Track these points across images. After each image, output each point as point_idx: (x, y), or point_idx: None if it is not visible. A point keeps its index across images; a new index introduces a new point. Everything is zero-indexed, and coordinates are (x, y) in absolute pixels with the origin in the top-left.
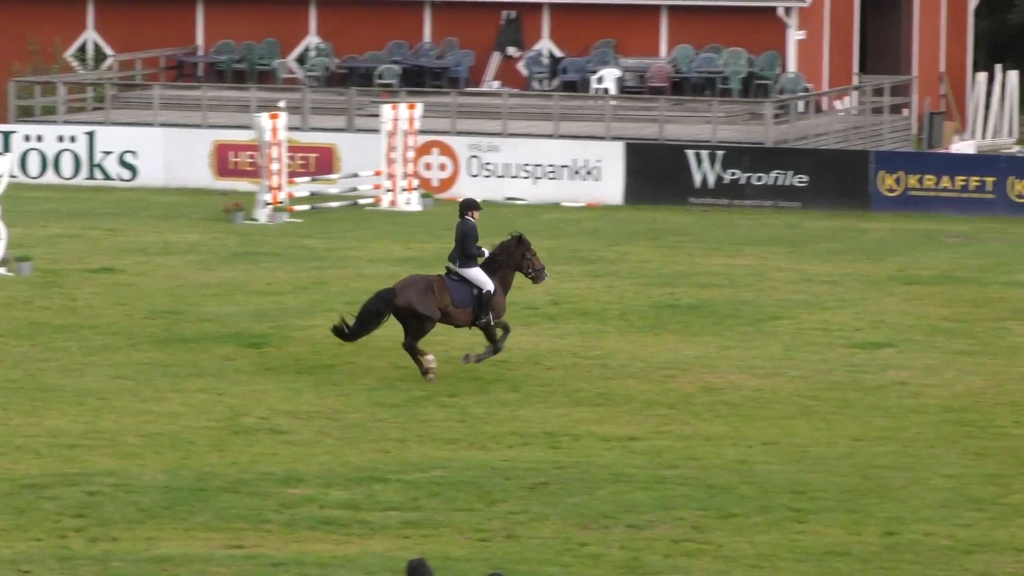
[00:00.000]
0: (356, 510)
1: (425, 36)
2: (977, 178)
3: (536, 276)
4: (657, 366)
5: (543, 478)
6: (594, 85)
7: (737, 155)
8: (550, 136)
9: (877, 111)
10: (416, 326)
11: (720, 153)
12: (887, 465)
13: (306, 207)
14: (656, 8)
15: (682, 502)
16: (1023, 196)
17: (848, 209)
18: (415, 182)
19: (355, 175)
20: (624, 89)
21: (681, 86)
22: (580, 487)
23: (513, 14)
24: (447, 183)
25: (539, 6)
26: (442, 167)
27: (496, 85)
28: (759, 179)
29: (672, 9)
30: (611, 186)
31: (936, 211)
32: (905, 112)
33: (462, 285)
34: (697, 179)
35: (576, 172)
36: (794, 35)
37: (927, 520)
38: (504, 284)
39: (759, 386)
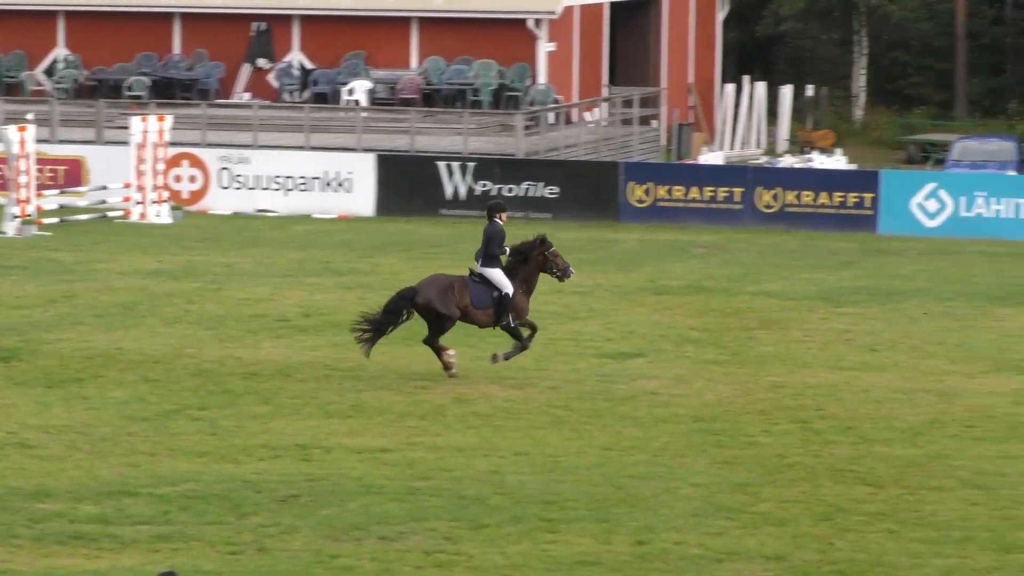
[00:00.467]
0: (106, 524)
1: (175, 48)
2: (725, 189)
3: (562, 275)
4: (409, 377)
5: (294, 490)
6: (345, 97)
7: (488, 166)
8: (301, 148)
9: (627, 122)
10: (436, 324)
11: (471, 165)
12: (638, 474)
13: (55, 220)
14: (406, 20)
15: (434, 513)
16: (771, 207)
17: (598, 220)
18: (165, 194)
19: (104, 188)
20: (375, 101)
21: (432, 98)
22: (331, 499)
23: (263, 26)
24: (197, 195)
25: (289, 18)
26: (192, 179)
27: (247, 97)
28: (510, 190)
29: (423, 21)
30: (363, 198)
31: (685, 222)
32: (654, 123)
33: (483, 286)
34: (448, 190)
35: (327, 184)
36: (544, 47)
37: (677, 529)
38: (528, 285)
39: (511, 397)
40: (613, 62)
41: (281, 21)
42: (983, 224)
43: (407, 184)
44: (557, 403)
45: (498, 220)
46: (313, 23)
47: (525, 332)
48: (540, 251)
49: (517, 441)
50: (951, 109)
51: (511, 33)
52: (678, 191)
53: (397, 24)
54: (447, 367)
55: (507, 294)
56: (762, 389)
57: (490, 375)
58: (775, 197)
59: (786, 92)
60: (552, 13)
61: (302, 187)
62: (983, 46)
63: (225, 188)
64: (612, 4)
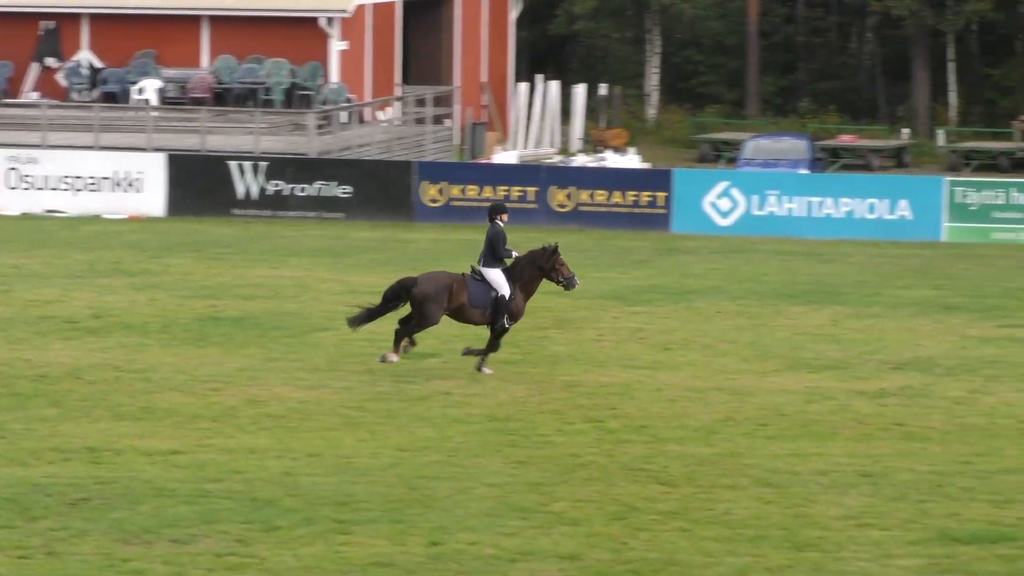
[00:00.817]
0: None
1: None
2: (519, 188)
3: (567, 284)
4: (200, 379)
5: (84, 494)
6: (135, 96)
7: (280, 166)
8: (90, 148)
9: (420, 122)
10: (417, 318)
11: (263, 164)
12: (432, 475)
13: None
14: (197, 18)
15: (226, 516)
16: (564, 206)
17: (392, 220)
18: None
19: None
20: (165, 100)
21: (223, 97)
22: (122, 502)
23: (52, 25)
24: None
25: (78, 16)
26: None
27: (35, 96)
28: (303, 190)
29: (214, 19)
30: (153, 198)
31: (479, 221)
32: (448, 123)
33: (483, 286)
34: (240, 190)
35: (117, 184)
36: (336, 46)
37: (472, 529)
38: (527, 290)
39: (304, 398)
40: (406, 61)
41: (70, 20)
42: (775, 222)
43: (198, 184)
44: (351, 404)
45: (499, 222)
46: (102, 22)
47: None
48: (552, 261)
49: (310, 442)
50: (743, 108)
51: (303, 32)
52: (472, 191)
53: (187, 23)
54: (386, 356)
55: (503, 296)
56: (556, 388)
57: (283, 377)
58: (568, 196)
59: (579, 91)
60: (344, 12)
61: (92, 187)
62: (775, 44)
63: (13, 189)
64: (405, 3)
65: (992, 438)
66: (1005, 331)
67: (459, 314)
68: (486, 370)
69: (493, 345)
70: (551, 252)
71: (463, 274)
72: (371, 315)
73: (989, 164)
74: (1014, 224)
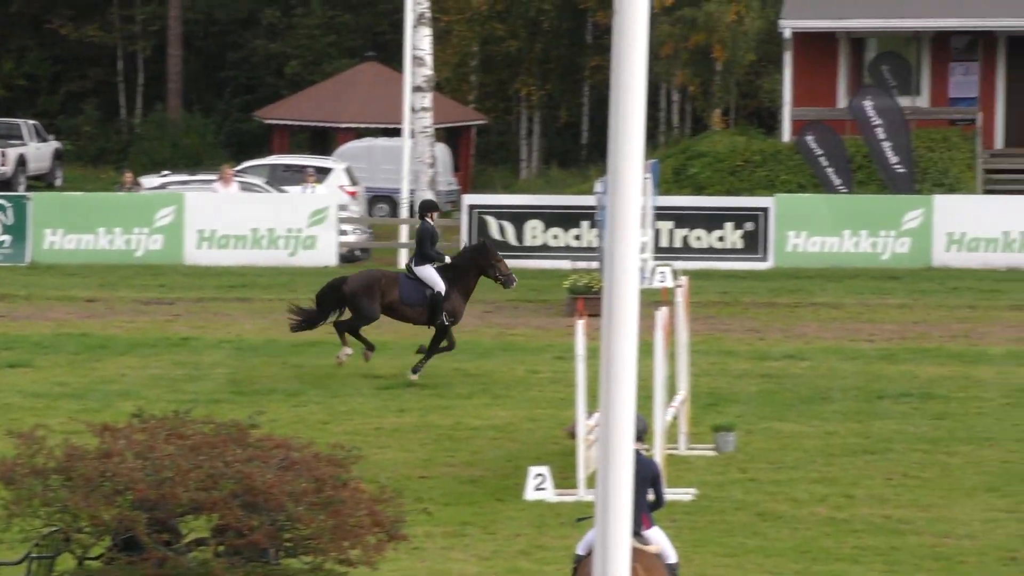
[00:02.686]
0: None
1: None
2: None
3: (505, 281)
4: None
5: None
6: None
7: None
8: None
9: None
10: (354, 315)
11: None
12: None
13: None
14: None
15: None
16: None
17: None
18: None
19: None
20: None
21: None
22: None
23: None
24: None
25: None
26: None
27: None
28: None
29: None
30: None
31: None
32: None
33: (416, 284)
34: None
35: None
36: None
37: None
38: (465, 289)
39: None
40: None
41: None
42: None
43: None
44: None
45: (429, 220)
46: None
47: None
48: (482, 257)
49: None
50: None
51: None
52: None
53: None
54: (339, 357)
55: (439, 292)
56: None
57: None
58: None
59: None
60: None
61: None
62: None
63: None
64: None
65: None
66: None
67: (393, 311)
68: (412, 376)
69: (437, 346)
70: (479, 247)
71: (396, 272)
72: (310, 320)
73: None
74: None
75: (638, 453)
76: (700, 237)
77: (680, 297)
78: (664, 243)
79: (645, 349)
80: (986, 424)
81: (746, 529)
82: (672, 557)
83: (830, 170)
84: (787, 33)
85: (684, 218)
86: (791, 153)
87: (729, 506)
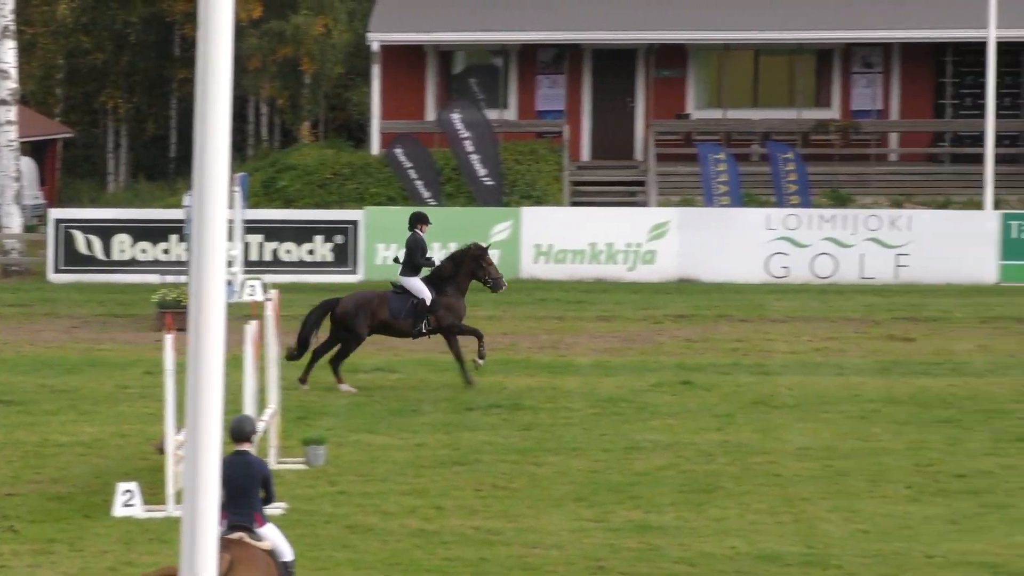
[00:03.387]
0: None
1: None
2: None
3: (494, 285)
4: None
5: None
6: None
7: None
8: None
9: None
10: (345, 339)
11: None
12: None
13: None
14: None
15: None
16: None
17: None
18: None
19: None
20: None
21: None
22: None
23: None
24: None
25: None
26: None
27: None
28: None
29: None
30: None
31: None
32: None
33: (402, 296)
34: None
35: None
36: None
37: None
38: (460, 290)
39: None
40: None
41: None
42: None
43: None
44: None
45: (419, 231)
46: None
47: (464, 341)
48: (469, 260)
49: None
50: None
51: None
52: None
53: None
54: (342, 385)
55: (423, 300)
56: None
57: None
58: None
59: None
60: None
61: None
62: None
63: None
64: None
65: None
66: None
67: (387, 329)
68: (480, 361)
69: (456, 347)
70: (468, 251)
71: (384, 291)
72: (302, 341)
73: None
74: None
75: (248, 454)
76: (290, 250)
77: (270, 311)
78: (254, 256)
79: (235, 363)
80: (573, 434)
81: (336, 542)
82: (287, 555)
83: (419, 183)
84: (375, 46)
85: (274, 231)
86: (380, 166)
87: (319, 519)
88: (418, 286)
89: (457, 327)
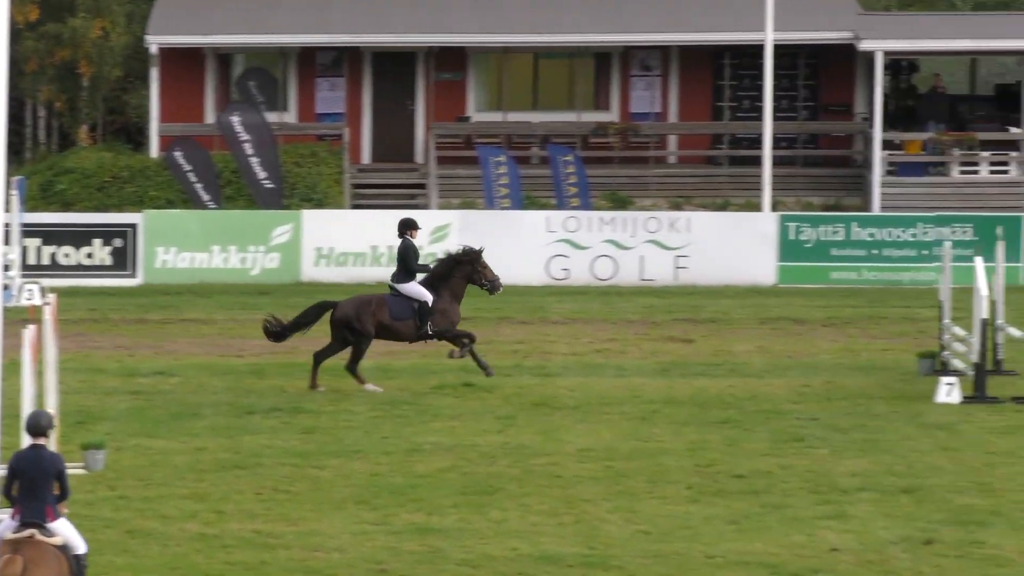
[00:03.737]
0: None
1: None
2: None
3: (491, 287)
4: None
5: None
6: None
7: None
8: None
9: None
10: (355, 344)
11: None
12: None
13: None
14: None
15: None
16: None
17: None
18: None
19: None
20: None
21: None
22: None
23: None
24: None
25: None
26: None
27: None
28: None
29: None
30: None
31: None
32: None
33: (402, 300)
34: None
35: None
36: None
37: None
38: (455, 295)
39: None
40: None
41: None
42: None
43: None
44: None
45: (409, 237)
46: None
47: (464, 343)
48: (464, 263)
49: None
50: None
51: None
52: None
53: None
54: (365, 388)
55: (425, 302)
56: None
57: None
58: None
59: None
60: None
61: None
62: None
63: None
64: None
65: None
66: None
67: (388, 332)
68: (453, 357)
69: (461, 343)
70: (462, 254)
71: (382, 294)
72: (280, 335)
73: None
74: None
75: (43, 448)
76: (68, 254)
77: (48, 315)
78: (32, 260)
79: (13, 368)
80: (355, 437)
81: (116, 547)
82: (80, 548)
83: (199, 186)
84: (153, 49)
85: (52, 235)
86: (160, 169)
87: (99, 524)
88: (417, 290)
89: (451, 332)
